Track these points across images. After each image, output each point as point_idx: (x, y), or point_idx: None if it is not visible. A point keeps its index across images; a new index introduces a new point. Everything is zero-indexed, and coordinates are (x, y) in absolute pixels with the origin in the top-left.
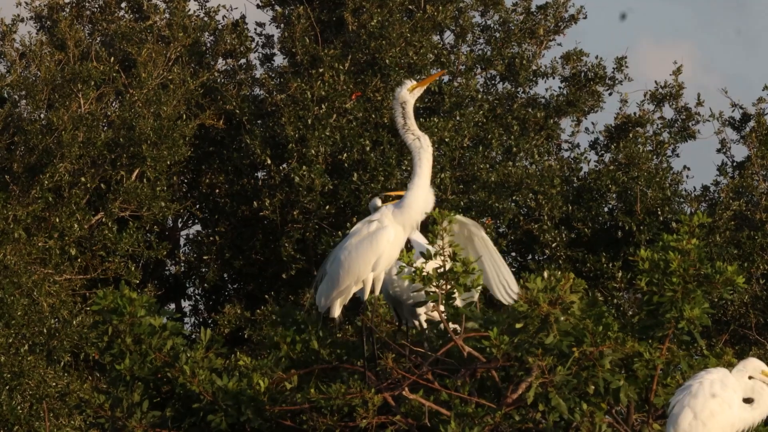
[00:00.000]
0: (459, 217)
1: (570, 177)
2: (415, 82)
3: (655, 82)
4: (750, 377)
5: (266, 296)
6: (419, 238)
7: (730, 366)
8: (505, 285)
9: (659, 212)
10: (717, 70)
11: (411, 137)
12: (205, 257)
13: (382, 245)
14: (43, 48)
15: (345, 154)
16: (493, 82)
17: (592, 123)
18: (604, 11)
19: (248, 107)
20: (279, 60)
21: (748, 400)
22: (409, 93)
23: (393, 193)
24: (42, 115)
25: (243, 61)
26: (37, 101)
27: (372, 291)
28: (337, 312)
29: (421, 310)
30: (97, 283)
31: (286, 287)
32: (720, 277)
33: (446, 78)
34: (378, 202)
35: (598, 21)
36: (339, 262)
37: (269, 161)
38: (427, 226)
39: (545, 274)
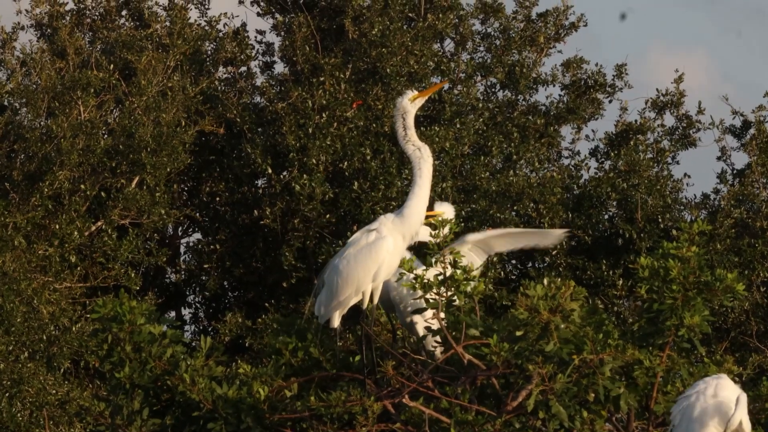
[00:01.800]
0: (459, 247)
1: (570, 184)
2: (416, 92)
3: (657, 89)
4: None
5: (267, 305)
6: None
7: (729, 373)
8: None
9: (660, 220)
10: (731, 77)
11: (411, 148)
12: (205, 265)
13: (381, 255)
14: (43, 56)
15: (346, 163)
16: (493, 89)
17: (593, 130)
18: (614, 16)
19: (249, 115)
20: (279, 68)
21: None
22: (410, 103)
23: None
24: (42, 123)
25: (243, 69)
26: (37, 109)
27: (371, 300)
28: (336, 322)
29: (419, 319)
30: (97, 290)
31: (287, 296)
32: (720, 285)
33: (446, 86)
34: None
35: (610, 26)
36: (338, 271)
37: (270, 170)
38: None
39: (545, 282)
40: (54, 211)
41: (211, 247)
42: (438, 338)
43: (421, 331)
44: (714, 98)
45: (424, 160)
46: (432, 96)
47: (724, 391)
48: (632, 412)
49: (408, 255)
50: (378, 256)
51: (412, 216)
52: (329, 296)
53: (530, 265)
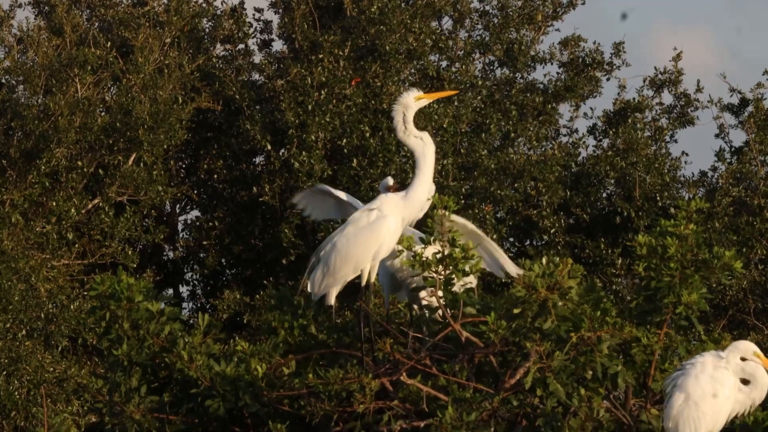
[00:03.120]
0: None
1: (568, 162)
2: (422, 93)
3: (654, 67)
4: (742, 359)
5: (265, 282)
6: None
7: None
8: (502, 267)
9: (658, 198)
10: (738, 54)
11: (413, 139)
12: (204, 243)
13: (382, 234)
14: (40, 33)
15: (344, 140)
16: (491, 67)
17: (591, 108)
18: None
19: (247, 93)
20: (278, 46)
21: (745, 382)
22: (415, 101)
23: None
24: (39, 101)
25: (241, 46)
26: (34, 86)
27: (369, 278)
28: (332, 299)
29: (423, 294)
30: (95, 268)
31: (285, 273)
32: (718, 263)
33: (444, 63)
34: (390, 181)
35: (616, 1)
36: (337, 249)
37: (269, 147)
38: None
39: (544, 260)
40: (51, 188)
41: (210, 224)
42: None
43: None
44: (720, 75)
45: (427, 147)
46: (431, 73)
47: (721, 360)
48: (630, 389)
49: (410, 232)
50: (379, 236)
51: (416, 201)
52: (326, 272)
53: (528, 242)
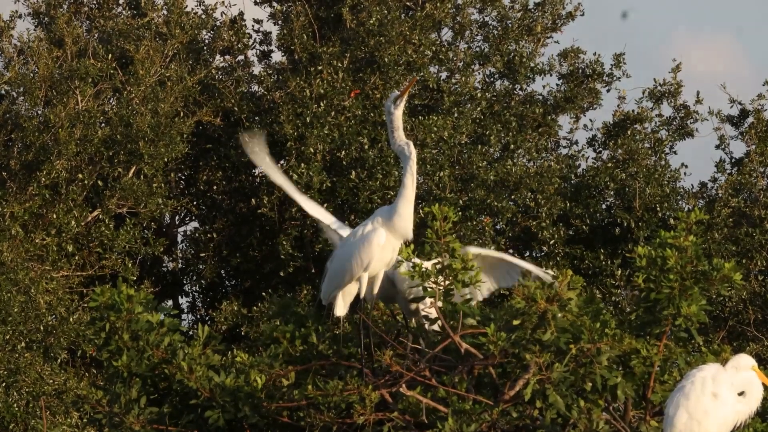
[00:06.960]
0: (474, 249)
1: (568, 174)
2: (397, 92)
3: (654, 79)
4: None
5: (263, 293)
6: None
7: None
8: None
9: (658, 209)
10: (759, 61)
11: (397, 147)
12: (202, 254)
13: (373, 246)
14: (40, 45)
15: (343, 152)
16: (491, 79)
17: (590, 120)
18: (642, 2)
19: (246, 104)
20: (277, 57)
21: (740, 394)
22: (393, 104)
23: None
24: (39, 112)
25: (241, 58)
26: (35, 98)
27: (370, 289)
28: (339, 309)
29: (421, 306)
30: (94, 280)
31: (284, 285)
32: (717, 274)
33: (444, 75)
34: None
35: (637, 8)
36: (335, 259)
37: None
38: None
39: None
40: (51, 200)
41: (208, 235)
42: (436, 326)
43: (426, 317)
44: (738, 83)
45: (409, 157)
46: (431, 85)
47: (720, 374)
48: (629, 401)
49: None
50: (370, 247)
51: (399, 221)
52: (328, 282)
53: (528, 254)
